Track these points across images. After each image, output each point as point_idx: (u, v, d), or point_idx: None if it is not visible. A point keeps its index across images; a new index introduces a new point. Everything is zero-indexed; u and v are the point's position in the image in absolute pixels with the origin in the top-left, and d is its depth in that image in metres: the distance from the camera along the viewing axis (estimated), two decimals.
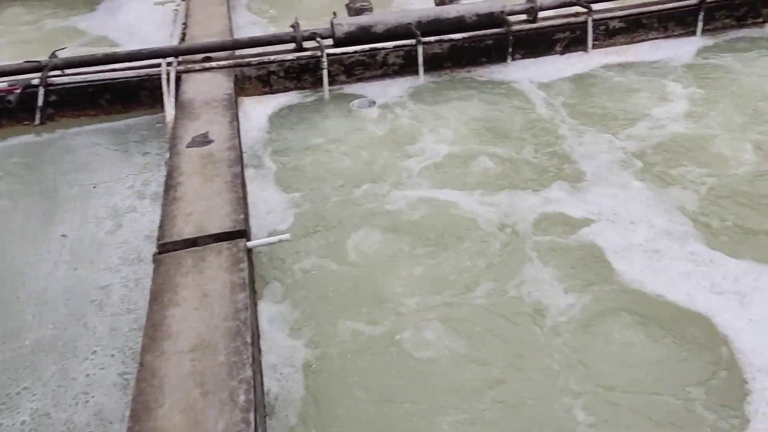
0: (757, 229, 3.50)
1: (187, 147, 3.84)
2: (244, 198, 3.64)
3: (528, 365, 2.76)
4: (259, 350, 2.82)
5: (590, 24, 5.59)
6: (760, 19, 6.07)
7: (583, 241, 3.47)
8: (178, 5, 6.89)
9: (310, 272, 3.34)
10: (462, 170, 4.16)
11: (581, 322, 2.96)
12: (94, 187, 4.14)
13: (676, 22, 5.86)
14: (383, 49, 5.32)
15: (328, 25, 5.32)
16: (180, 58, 5.12)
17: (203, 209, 3.23)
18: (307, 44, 5.27)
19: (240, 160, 3.77)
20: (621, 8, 5.83)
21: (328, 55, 5.16)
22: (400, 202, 3.86)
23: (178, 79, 4.84)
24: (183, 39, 5.75)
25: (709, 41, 5.80)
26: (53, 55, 4.93)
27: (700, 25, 5.84)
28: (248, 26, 6.89)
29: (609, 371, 2.72)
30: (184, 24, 6.10)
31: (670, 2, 5.83)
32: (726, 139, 4.35)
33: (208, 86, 4.74)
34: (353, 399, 2.65)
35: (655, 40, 5.85)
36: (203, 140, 3.88)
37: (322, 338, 2.94)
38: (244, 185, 3.83)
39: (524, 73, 5.43)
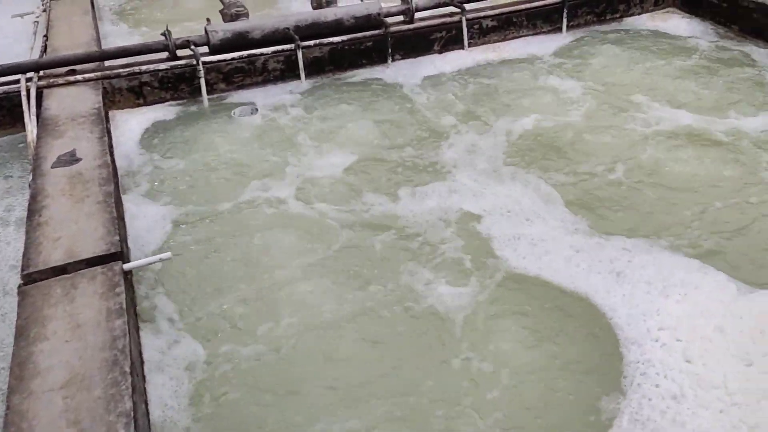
0: (627, 213, 3.72)
1: (53, 167, 3.58)
2: (120, 218, 3.44)
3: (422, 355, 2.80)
4: (144, 378, 2.66)
5: (465, 23, 5.77)
6: (618, 15, 6.52)
7: (471, 234, 3.57)
8: (38, 17, 6.43)
9: (192, 290, 3.21)
10: (349, 173, 4.16)
11: (473, 309, 3.04)
12: None
13: (543, 20, 6.17)
14: (262, 54, 5.22)
15: (203, 32, 5.15)
16: (41, 73, 4.77)
17: (73, 233, 3.02)
18: (181, 53, 5.07)
19: (113, 178, 3.56)
20: (492, 8, 6.06)
21: (205, 63, 4.99)
22: (286, 210, 3.79)
23: (39, 95, 4.50)
24: (44, 52, 5.37)
25: (573, 36, 6.16)
26: None
27: (564, 21, 6.19)
28: (117, 35, 6.54)
29: (498, 354, 2.80)
30: (46, 36, 5.70)
31: (537, 1, 6.12)
32: (595, 129, 4.62)
33: (74, 101, 4.44)
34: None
35: (526, 37, 6.13)
36: (70, 159, 3.63)
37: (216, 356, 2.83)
38: (119, 204, 3.62)
39: (405, 73, 5.51)
